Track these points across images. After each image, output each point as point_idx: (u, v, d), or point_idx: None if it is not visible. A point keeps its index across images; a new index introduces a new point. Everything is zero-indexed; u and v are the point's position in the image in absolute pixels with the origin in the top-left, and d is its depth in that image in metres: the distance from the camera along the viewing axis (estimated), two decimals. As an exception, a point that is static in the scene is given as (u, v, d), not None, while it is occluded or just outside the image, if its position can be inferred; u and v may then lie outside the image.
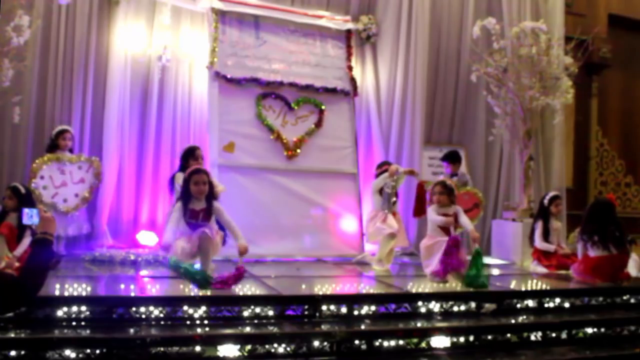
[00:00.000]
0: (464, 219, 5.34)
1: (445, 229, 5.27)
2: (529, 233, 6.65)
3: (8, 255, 4.70)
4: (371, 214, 6.18)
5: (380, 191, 6.09)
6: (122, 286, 4.66)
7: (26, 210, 2.63)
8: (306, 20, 7.34)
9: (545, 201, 6.61)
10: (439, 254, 5.14)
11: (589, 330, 4.77)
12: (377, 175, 6.24)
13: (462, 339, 4.33)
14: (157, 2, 6.83)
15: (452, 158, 7.14)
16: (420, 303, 4.60)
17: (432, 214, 5.35)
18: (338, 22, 7.49)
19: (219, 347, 3.78)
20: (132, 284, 4.71)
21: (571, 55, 7.68)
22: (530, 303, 4.98)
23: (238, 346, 3.81)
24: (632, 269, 6.13)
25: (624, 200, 9.72)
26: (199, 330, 3.94)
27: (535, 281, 5.77)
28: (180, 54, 6.96)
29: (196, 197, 4.78)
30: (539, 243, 6.45)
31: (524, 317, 4.81)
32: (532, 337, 4.55)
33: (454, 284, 5.21)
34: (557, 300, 5.08)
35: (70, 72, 6.52)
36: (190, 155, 5.66)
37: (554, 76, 7.43)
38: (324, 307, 4.34)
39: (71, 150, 6.15)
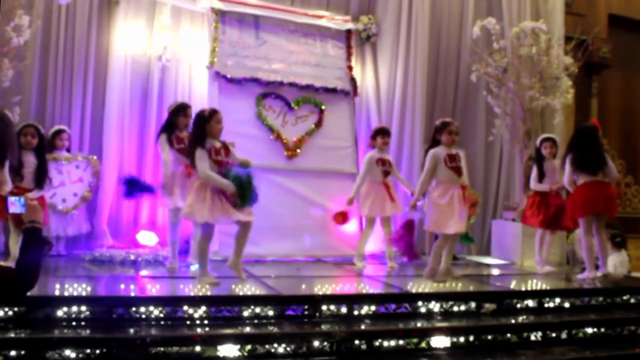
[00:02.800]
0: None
1: (456, 170, 5.28)
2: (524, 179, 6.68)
3: None
4: None
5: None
6: (122, 286, 4.66)
7: (11, 199, 2.56)
8: (306, 20, 7.33)
9: (537, 144, 6.66)
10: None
11: (589, 330, 4.78)
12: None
13: (462, 339, 4.34)
14: (157, 2, 6.83)
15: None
16: (420, 303, 4.60)
17: (441, 156, 5.27)
18: (338, 22, 7.48)
19: (219, 347, 3.78)
20: (132, 284, 4.71)
21: (571, 55, 7.67)
22: (530, 303, 4.99)
23: (238, 346, 3.81)
24: (619, 267, 6.12)
25: (624, 200, 9.71)
26: (199, 330, 3.95)
27: (535, 281, 5.77)
28: (180, 54, 6.95)
29: (215, 136, 4.78)
30: (533, 184, 6.52)
31: (524, 317, 4.82)
32: (532, 337, 4.56)
33: (454, 284, 5.22)
34: (557, 300, 5.09)
35: (70, 72, 6.51)
36: (182, 111, 5.44)
37: (554, 76, 7.42)
38: (324, 307, 4.35)
39: (68, 150, 6.16)
